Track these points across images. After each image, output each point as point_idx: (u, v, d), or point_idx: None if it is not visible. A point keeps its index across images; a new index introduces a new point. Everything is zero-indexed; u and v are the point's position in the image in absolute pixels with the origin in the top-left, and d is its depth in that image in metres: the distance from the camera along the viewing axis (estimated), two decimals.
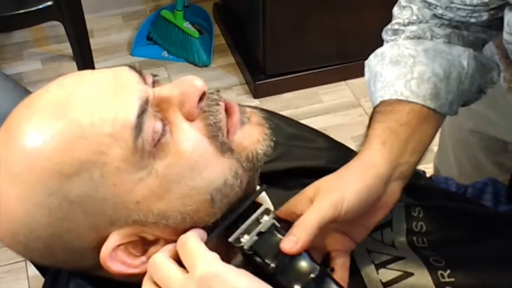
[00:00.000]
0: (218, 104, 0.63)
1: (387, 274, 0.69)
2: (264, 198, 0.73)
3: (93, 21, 2.54)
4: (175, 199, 0.60)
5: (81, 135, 0.57)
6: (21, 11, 1.96)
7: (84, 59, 2.11)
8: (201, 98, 0.62)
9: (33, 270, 1.78)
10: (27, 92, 0.64)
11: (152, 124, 0.59)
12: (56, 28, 2.30)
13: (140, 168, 0.58)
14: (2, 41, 2.55)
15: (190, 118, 0.62)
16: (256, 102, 2.26)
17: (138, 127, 0.58)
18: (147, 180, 0.58)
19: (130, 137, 0.57)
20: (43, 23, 2.16)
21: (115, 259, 0.60)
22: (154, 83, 0.64)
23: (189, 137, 0.60)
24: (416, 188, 0.82)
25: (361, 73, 2.35)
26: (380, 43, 0.85)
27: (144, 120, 0.58)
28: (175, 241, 0.61)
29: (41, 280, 0.78)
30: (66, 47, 2.33)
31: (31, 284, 1.78)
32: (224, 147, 0.62)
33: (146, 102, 0.60)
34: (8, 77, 0.83)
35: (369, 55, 0.85)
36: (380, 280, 0.68)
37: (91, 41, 2.17)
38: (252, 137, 0.64)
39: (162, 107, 0.61)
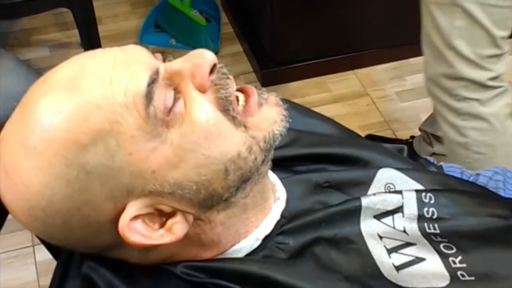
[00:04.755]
0: (228, 78, 0.65)
1: (399, 258, 0.69)
2: (276, 181, 0.74)
3: (102, 8, 2.54)
4: (190, 169, 0.61)
5: (95, 105, 0.58)
6: None
7: (92, 46, 2.06)
8: (212, 71, 0.63)
9: (41, 256, 1.80)
10: (41, 76, 0.65)
11: (164, 93, 0.60)
12: (64, 15, 2.31)
13: (154, 136, 0.59)
14: (11, 27, 2.56)
15: (202, 90, 0.63)
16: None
17: (149, 96, 0.59)
18: (162, 148, 0.60)
19: (141, 105, 0.59)
20: (52, 10, 2.16)
21: (133, 230, 0.61)
22: (165, 60, 0.66)
23: (202, 107, 0.62)
24: (427, 174, 0.83)
25: (368, 62, 2.36)
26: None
27: (155, 89, 0.60)
28: (191, 213, 0.63)
29: (49, 265, 0.78)
30: (74, 34, 2.33)
31: (38, 269, 1.79)
32: (237, 121, 0.63)
33: (156, 73, 0.61)
34: (22, 61, 0.84)
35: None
36: (393, 263, 0.69)
37: (99, 28, 2.17)
38: (270, 119, 0.66)
39: (174, 80, 0.63)
